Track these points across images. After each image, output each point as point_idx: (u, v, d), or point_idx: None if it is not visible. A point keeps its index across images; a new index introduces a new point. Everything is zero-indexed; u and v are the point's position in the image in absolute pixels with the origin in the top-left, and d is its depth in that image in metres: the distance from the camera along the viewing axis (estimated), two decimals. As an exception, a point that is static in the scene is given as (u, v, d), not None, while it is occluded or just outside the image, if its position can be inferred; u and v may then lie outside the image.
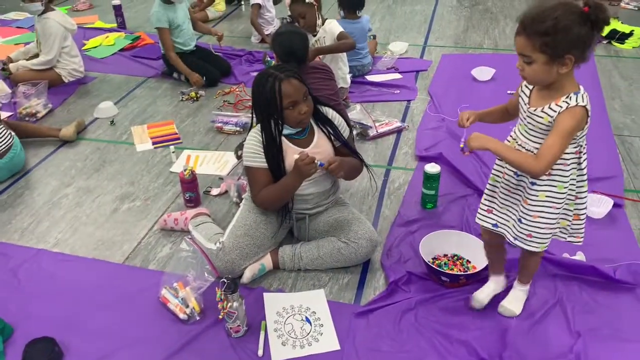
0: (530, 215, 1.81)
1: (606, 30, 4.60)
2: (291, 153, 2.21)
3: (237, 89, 4.04)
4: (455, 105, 3.71)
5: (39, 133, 3.41)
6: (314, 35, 3.52)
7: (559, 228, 1.88)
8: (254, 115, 2.27)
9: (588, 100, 1.65)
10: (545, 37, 1.55)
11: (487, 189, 1.97)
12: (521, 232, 1.85)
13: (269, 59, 4.32)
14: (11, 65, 4.04)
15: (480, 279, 2.19)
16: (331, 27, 3.47)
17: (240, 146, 2.99)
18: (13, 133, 3.09)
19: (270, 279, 2.30)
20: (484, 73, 4.10)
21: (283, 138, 2.21)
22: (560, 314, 2.13)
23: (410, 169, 3.05)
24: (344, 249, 2.26)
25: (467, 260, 2.32)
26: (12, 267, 2.42)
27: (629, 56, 4.46)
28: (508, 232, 1.91)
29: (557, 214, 1.80)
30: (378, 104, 3.79)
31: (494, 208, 1.94)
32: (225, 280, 1.94)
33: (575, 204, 1.83)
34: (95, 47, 4.94)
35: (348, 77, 3.73)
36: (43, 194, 2.92)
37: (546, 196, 1.77)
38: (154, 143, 3.37)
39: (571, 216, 1.85)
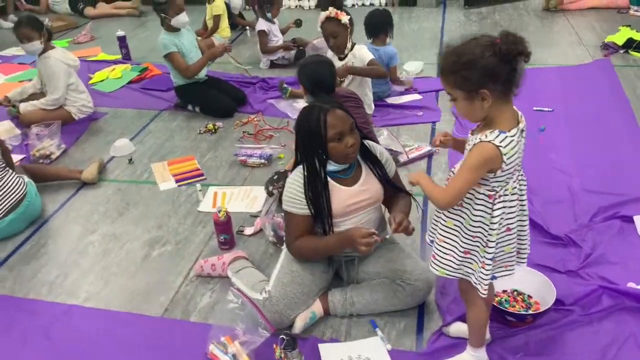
0: (438, 238, 1.75)
1: (622, 39, 4.56)
2: (337, 193, 2.09)
3: (256, 119, 3.93)
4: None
5: (59, 176, 3.28)
6: (341, 59, 3.43)
7: (468, 268, 1.74)
8: (298, 153, 2.14)
9: (513, 145, 1.53)
10: (455, 73, 1.52)
11: None
12: (432, 251, 1.79)
13: (285, 85, 4.22)
14: (20, 106, 3.91)
15: (547, 317, 2.07)
16: (362, 53, 3.38)
17: (271, 181, 2.87)
18: (26, 179, 2.94)
19: (322, 327, 2.16)
20: (506, 90, 4.00)
21: (328, 177, 2.09)
22: (634, 348, 2.00)
23: (449, 196, 2.93)
24: (400, 291, 2.14)
25: (529, 296, 2.19)
26: (42, 325, 2.27)
27: (649, 65, 4.39)
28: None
29: (462, 247, 1.70)
30: (403, 128, 3.69)
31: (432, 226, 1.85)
32: (285, 337, 1.81)
33: (485, 251, 1.66)
34: (102, 80, 4.83)
35: (372, 103, 3.64)
36: (67, 243, 2.78)
37: (454, 224, 1.70)
38: (177, 181, 3.24)
39: (479, 262, 1.70)
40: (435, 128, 3.66)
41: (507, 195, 1.62)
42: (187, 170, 3.35)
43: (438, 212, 1.76)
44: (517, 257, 1.76)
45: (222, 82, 4.24)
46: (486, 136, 1.55)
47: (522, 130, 1.61)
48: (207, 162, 3.45)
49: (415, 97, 4.09)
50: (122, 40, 5.29)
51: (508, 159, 1.54)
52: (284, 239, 2.20)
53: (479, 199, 1.62)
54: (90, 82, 4.77)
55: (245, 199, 3.03)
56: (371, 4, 6.64)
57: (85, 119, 4.05)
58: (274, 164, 3.36)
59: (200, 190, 3.04)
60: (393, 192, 2.21)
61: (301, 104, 4.12)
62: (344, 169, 2.11)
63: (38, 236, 2.85)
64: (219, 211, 2.56)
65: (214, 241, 2.69)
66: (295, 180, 2.10)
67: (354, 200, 2.11)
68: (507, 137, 1.54)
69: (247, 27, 5.96)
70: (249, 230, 2.75)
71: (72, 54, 4.01)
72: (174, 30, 3.87)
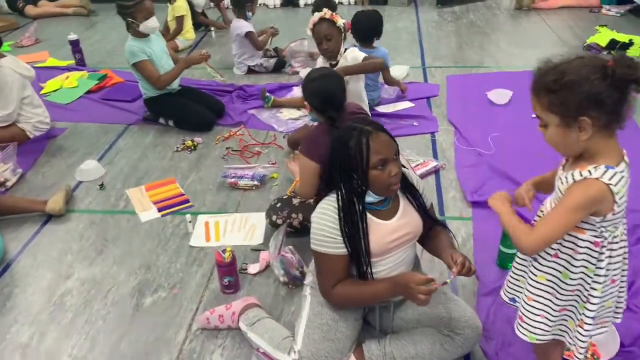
0: (526, 296, 1.52)
1: (605, 40, 4.48)
2: (376, 228, 1.80)
3: (239, 133, 3.57)
4: (483, 134, 3.42)
5: (18, 208, 2.83)
6: (332, 66, 3.14)
7: (563, 327, 1.53)
8: (328, 180, 1.85)
9: (623, 182, 1.32)
10: (552, 94, 1.31)
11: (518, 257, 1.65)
12: (518, 311, 1.57)
13: (268, 94, 3.88)
14: (-36, 125, 3.40)
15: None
16: (354, 56, 3.09)
17: (274, 209, 2.55)
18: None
19: (359, 387, 1.87)
20: (500, 96, 3.83)
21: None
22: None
23: (467, 217, 2.70)
24: (448, 342, 1.87)
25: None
26: (18, 403, 1.88)
27: (634, 67, 4.31)
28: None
29: (558, 305, 1.47)
30: (399, 139, 3.40)
31: (513, 279, 1.63)
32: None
33: (585, 307, 1.43)
34: (55, 90, 4.33)
35: (369, 111, 3.36)
36: (38, 293, 2.36)
37: (547, 279, 1.46)
38: (159, 209, 2.86)
39: (576, 320, 1.48)
40: (436, 140, 3.42)
41: (615, 242, 1.38)
42: (169, 196, 2.97)
43: (523, 263, 1.51)
44: (614, 312, 1.53)
45: (198, 91, 3.85)
46: (590, 172, 1.30)
47: (627, 164, 1.37)
48: (191, 185, 3.07)
49: (407, 104, 3.85)
50: (75, 45, 4.78)
51: (620, 198, 1.31)
52: (318, 284, 1.88)
53: (581, 246, 1.38)
54: (42, 92, 4.26)
55: (242, 229, 2.69)
56: (340, 3, 6.36)
57: (42, 137, 3.57)
58: (267, 185, 3.03)
59: (190, 222, 2.68)
60: (430, 225, 1.94)
61: (285, 113, 3.81)
62: (380, 200, 1.83)
63: (0, 285, 2.41)
64: (223, 251, 2.22)
65: (214, 283, 2.35)
66: (327, 215, 1.80)
67: (393, 236, 1.83)
68: (616, 173, 1.30)
69: (212, 28, 5.55)
70: (253, 268, 2.42)
71: (25, 63, 3.51)
72: (142, 36, 3.46)
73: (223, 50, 5.13)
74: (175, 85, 3.66)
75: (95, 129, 3.74)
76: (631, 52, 4.49)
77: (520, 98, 3.83)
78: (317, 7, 3.71)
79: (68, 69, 4.75)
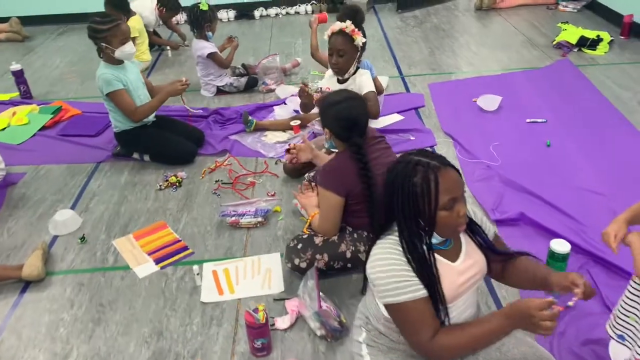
0: None
1: (575, 38, 4.50)
2: (445, 272, 1.58)
3: (227, 162, 3.27)
4: (484, 144, 3.29)
5: (-10, 280, 2.42)
6: (340, 82, 2.91)
7: None
8: (380, 218, 1.63)
9: None
10: None
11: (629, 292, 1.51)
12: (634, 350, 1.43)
13: (251, 118, 3.59)
14: None
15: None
16: (362, 81, 2.87)
17: (295, 252, 2.30)
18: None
19: None
20: (490, 102, 3.73)
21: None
22: None
23: (496, 239, 2.54)
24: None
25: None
26: None
27: (607, 63, 4.35)
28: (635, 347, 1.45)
29: None
30: (399, 157, 3.24)
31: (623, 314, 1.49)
32: None
33: None
34: (2, 129, 3.85)
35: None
36: (33, 381, 1.99)
37: None
38: (156, 261, 2.53)
39: None
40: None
41: None
42: (164, 244, 2.64)
43: (637, 294, 1.33)
44: None
45: (173, 121, 3.51)
46: None
47: None
48: (186, 228, 2.76)
49: (396, 117, 3.68)
50: (18, 75, 4.31)
51: None
52: (410, 342, 1.62)
53: None
54: (-12, 132, 3.79)
55: (256, 276, 2.41)
56: (297, 12, 6.13)
57: (0, 186, 3.14)
58: (272, 220, 2.76)
59: (198, 274, 2.37)
60: (502, 259, 1.74)
61: (270, 137, 3.54)
62: (442, 240, 1.62)
63: (-16, 376, 2.03)
64: (255, 311, 1.94)
65: (241, 346, 2.06)
66: (393, 259, 1.55)
67: (463, 278, 1.62)
68: None
69: (167, 47, 5.17)
70: (282, 322, 2.15)
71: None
72: (117, 62, 3.10)
73: (184, 69, 4.79)
74: (151, 116, 3.31)
75: (60, 171, 3.33)
76: (600, 48, 4.53)
77: (508, 103, 3.74)
78: (342, 15, 3.34)
79: (13, 103, 4.27)
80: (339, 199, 2.22)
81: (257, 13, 6.08)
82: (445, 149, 3.31)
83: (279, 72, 4.28)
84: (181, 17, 6.03)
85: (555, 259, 2.15)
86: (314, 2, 6.13)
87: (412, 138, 3.43)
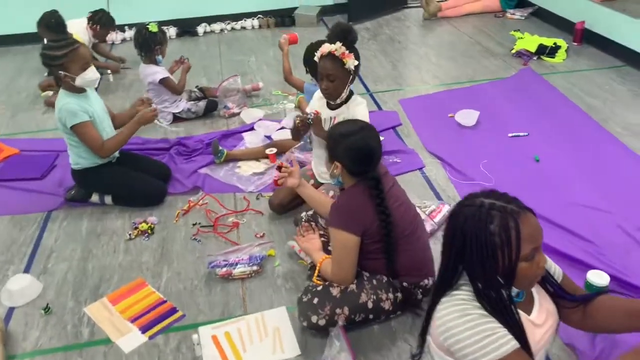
0: None
1: (534, 46, 4.51)
2: (525, 326, 1.39)
3: (200, 202, 2.93)
4: (472, 162, 3.17)
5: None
6: (332, 108, 2.66)
7: None
8: (449, 267, 1.42)
9: None
10: None
11: None
12: None
13: (221, 148, 3.26)
14: None
15: None
16: (356, 112, 2.60)
17: (311, 307, 2.02)
18: None
19: None
20: (467, 117, 3.61)
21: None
22: None
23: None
24: None
25: None
26: None
27: (567, 70, 4.37)
28: None
29: None
30: (389, 182, 3.04)
31: None
32: None
33: None
34: None
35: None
36: None
37: None
38: (142, 329, 2.17)
39: None
40: (427, 176, 3.08)
41: None
42: (148, 307, 2.28)
43: None
44: None
45: (136, 155, 3.12)
46: None
47: None
48: (169, 284, 2.40)
49: (375, 138, 3.47)
50: (-63, 112, 3.74)
51: None
52: None
53: None
54: None
55: (264, 338, 2.11)
56: (243, 28, 5.82)
57: None
58: (268, 267, 2.46)
59: (198, 344, 2.04)
60: (576, 305, 1.55)
61: (245, 168, 3.25)
62: (517, 291, 1.43)
63: None
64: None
65: None
66: (472, 314, 1.33)
67: (541, 331, 1.46)
68: None
69: (108, 70, 4.71)
70: (308, 394, 1.87)
71: None
72: (79, 91, 2.70)
73: (131, 94, 4.36)
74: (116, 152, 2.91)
75: (3, 225, 2.86)
76: (559, 56, 4.56)
77: (485, 116, 3.64)
78: (331, 36, 3.07)
79: None
80: (355, 240, 1.99)
81: (200, 29, 5.70)
82: (434, 170, 3.14)
83: (242, 94, 3.97)
84: (117, 36, 5.58)
85: (592, 290, 2.00)
86: (260, 16, 5.84)
87: (397, 160, 3.23)
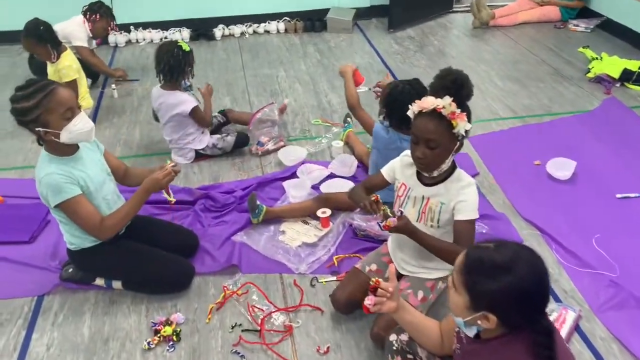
0: None
1: (617, 71, 3.84)
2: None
3: (240, 289, 2.24)
4: (581, 237, 2.49)
5: None
6: (426, 183, 1.95)
7: None
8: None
9: None
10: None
11: None
12: None
13: (259, 204, 2.57)
14: None
15: None
16: (460, 197, 1.84)
17: None
18: None
19: None
20: (562, 168, 2.92)
21: None
22: None
23: None
24: None
25: None
26: None
27: (660, 101, 3.68)
28: None
29: None
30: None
31: None
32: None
33: None
34: None
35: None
36: None
37: None
38: None
39: None
40: (529, 257, 2.40)
41: None
42: None
43: None
44: None
45: (151, 220, 2.41)
46: None
47: None
48: None
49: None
50: None
51: None
52: None
53: None
54: None
55: None
56: (266, 31, 5.06)
57: None
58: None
59: None
60: None
61: (291, 234, 2.58)
62: None
63: None
64: None
65: None
66: None
67: None
68: None
69: (113, 85, 3.95)
70: None
71: None
72: (66, 151, 1.99)
73: (140, 118, 3.62)
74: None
75: (-21, 316, 2.16)
76: (647, 83, 3.87)
77: (580, 166, 2.95)
78: (437, 86, 2.31)
79: None
80: None
81: (217, 32, 4.94)
82: (536, 247, 2.43)
83: (278, 126, 3.25)
84: (121, 38, 4.81)
85: None
86: (286, 19, 5.09)
87: (484, 230, 2.54)
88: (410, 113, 1.88)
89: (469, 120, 1.86)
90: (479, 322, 1.35)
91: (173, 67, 2.86)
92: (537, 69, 4.22)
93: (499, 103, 3.73)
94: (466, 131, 1.83)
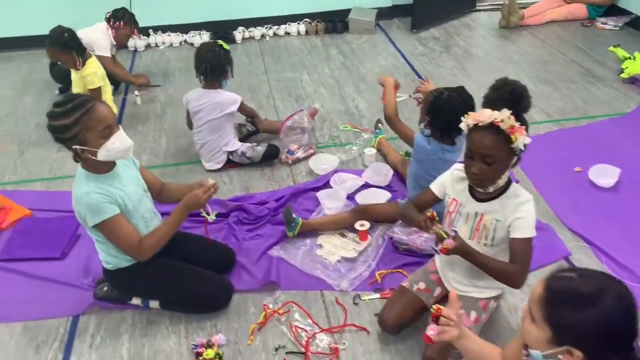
0: None
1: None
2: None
3: (282, 308, 2.16)
4: (631, 250, 2.38)
5: None
6: (479, 199, 1.86)
7: None
8: None
9: None
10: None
11: None
12: None
13: (295, 216, 2.49)
14: None
15: None
16: (517, 214, 1.76)
17: None
18: None
19: None
20: (605, 175, 2.82)
21: None
22: None
23: None
24: None
25: None
26: None
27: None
28: None
29: None
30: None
31: None
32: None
33: None
34: None
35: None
36: None
37: None
38: None
39: None
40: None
41: None
42: None
43: None
44: None
45: (187, 236, 2.33)
46: None
47: None
48: None
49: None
50: None
51: None
52: None
53: None
54: None
55: None
56: (287, 33, 4.98)
57: None
58: None
59: None
60: None
61: (329, 248, 2.48)
62: None
63: None
64: None
65: None
66: None
67: None
68: None
69: (135, 91, 3.88)
70: None
71: None
72: (103, 169, 1.92)
73: (165, 126, 3.55)
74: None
75: (15, 340, 2.09)
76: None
77: (626, 173, 2.85)
78: (493, 98, 2.21)
79: None
80: None
81: (237, 35, 4.86)
82: (586, 260, 2.36)
83: (308, 134, 3.16)
84: (140, 42, 4.74)
85: None
86: (307, 20, 4.99)
87: (530, 243, 2.45)
88: (463, 126, 1.79)
89: (527, 130, 1.77)
90: (560, 357, 1.26)
91: (215, 66, 2.86)
92: (567, 69, 4.11)
93: (532, 106, 3.62)
94: (525, 145, 1.74)
